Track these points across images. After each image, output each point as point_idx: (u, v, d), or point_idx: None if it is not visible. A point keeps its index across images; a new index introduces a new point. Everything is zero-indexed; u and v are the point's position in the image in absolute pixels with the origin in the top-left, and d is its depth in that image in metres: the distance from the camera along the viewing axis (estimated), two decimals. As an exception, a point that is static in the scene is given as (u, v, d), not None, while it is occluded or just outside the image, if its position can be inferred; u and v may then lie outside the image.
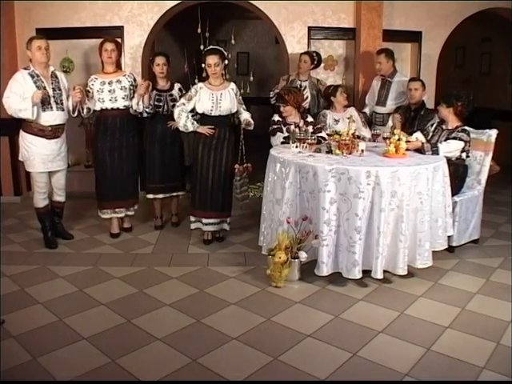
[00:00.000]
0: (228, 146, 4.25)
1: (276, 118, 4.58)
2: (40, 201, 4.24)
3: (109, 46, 4.31)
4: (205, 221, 4.29)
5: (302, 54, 5.54)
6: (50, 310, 3.14)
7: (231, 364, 2.61)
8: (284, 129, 4.48)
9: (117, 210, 4.53)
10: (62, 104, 4.14)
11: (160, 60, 4.55)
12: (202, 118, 4.21)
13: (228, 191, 4.31)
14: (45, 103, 4.01)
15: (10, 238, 4.50)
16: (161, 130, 4.57)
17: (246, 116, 4.30)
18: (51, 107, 4.06)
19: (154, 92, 4.53)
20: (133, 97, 4.36)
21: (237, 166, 4.23)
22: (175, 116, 4.16)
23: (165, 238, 4.58)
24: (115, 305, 3.23)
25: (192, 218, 4.38)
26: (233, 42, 6.19)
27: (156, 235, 4.64)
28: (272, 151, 4.01)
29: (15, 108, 3.93)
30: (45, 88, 4.02)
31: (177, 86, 4.71)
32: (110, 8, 5.75)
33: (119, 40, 5.72)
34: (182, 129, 4.19)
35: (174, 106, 4.44)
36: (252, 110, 4.57)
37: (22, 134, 4.12)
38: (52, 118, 4.07)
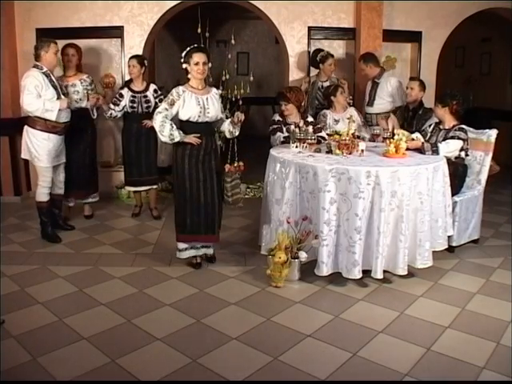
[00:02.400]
0: (216, 156, 3.77)
1: (276, 117, 4.59)
2: (44, 195, 4.40)
3: (69, 50, 4.71)
4: (200, 245, 3.83)
5: (328, 56, 5.45)
6: (50, 310, 3.14)
7: (231, 364, 2.61)
8: (284, 129, 4.48)
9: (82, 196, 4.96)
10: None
11: (131, 62, 4.84)
12: (186, 126, 3.63)
13: (222, 208, 3.85)
14: None
15: (9, 237, 4.50)
16: (136, 128, 4.89)
17: (228, 125, 3.83)
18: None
19: (130, 94, 4.84)
20: (88, 99, 4.63)
21: (227, 165, 3.79)
22: (157, 125, 3.54)
23: (165, 237, 4.57)
24: (115, 305, 3.23)
25: (181, 246, 3.77)
26: (233, 42, 6.18)
27: (156, 235, 4.64)
28: (272, 151, 4.01)
29: (42, 108, 4.12)
30: (56, 88, 4.23)
31: (152, 87, 4.96)
32: (110, 8, 5.75)
33: (119, 40, 5.76)
34: (166, 139, 3.55)
35: (147, 107, 4.85)
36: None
37: (32, 131, 4.26)
38: (65, 115, 4.32)
